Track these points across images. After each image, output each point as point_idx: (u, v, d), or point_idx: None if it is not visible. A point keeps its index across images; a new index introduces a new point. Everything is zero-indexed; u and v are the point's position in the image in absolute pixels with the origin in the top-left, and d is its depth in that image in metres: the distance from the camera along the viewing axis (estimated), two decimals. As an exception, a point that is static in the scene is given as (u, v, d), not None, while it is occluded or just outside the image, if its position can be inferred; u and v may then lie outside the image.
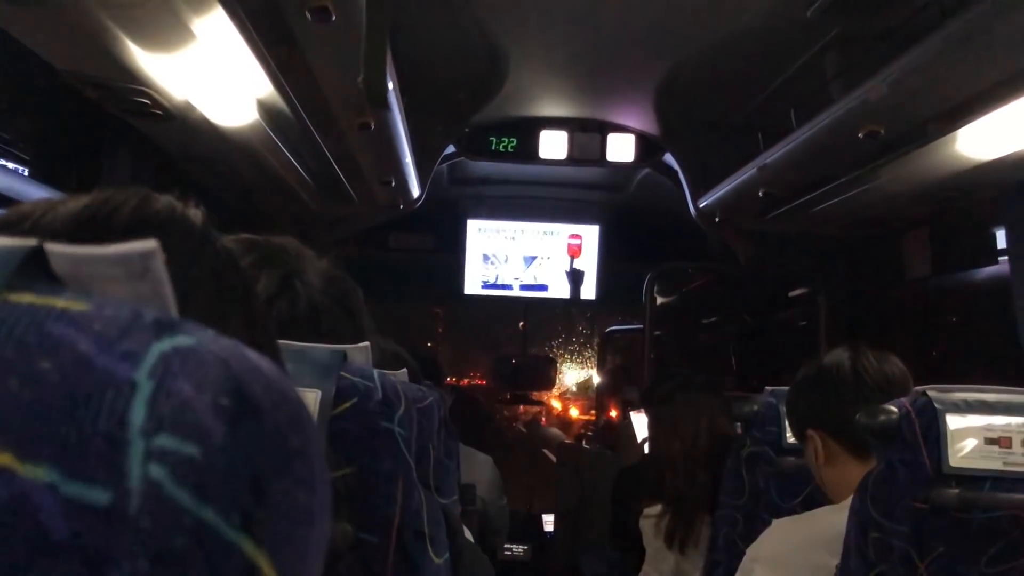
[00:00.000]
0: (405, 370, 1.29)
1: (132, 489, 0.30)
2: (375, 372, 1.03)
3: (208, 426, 0.32)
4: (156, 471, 0.30)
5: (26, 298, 0.33)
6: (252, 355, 0.35)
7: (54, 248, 0.36)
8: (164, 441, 0.31)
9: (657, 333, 5.65)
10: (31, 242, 0.35)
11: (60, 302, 0.33)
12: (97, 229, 0.57)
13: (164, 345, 0.33)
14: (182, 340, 0.33)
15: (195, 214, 0.64)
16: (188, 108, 2.33)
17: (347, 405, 0.99)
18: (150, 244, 0.36)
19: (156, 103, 2.25)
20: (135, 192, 0.61)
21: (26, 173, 2.58)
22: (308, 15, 1.90)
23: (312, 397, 0.96)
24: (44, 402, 0.30)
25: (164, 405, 0.31)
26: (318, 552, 0.36)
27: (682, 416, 2.93)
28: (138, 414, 0.31)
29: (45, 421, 0.30)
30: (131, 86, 2.11)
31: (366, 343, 1.07)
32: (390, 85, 2.52)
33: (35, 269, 0.35)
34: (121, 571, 0.29)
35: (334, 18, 1.87)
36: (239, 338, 0.59)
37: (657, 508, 2.92)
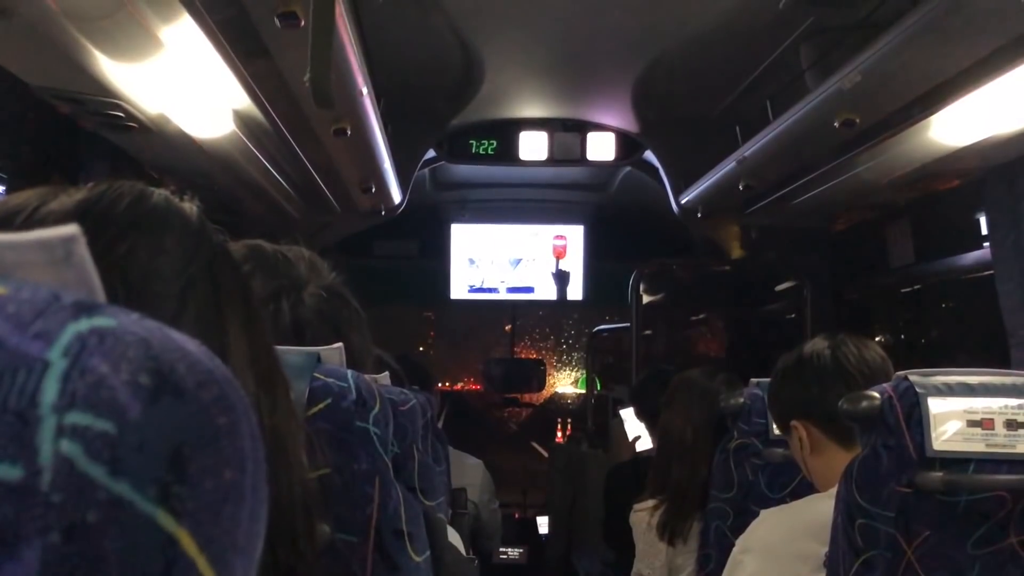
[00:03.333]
0: (387, 374, 1.29)
1: (43, 465, 0.30)
2: (349, 373, 1.03)
3: (124, 403, 0.31)
4: (68, 447, 0.30)
5: None
6: (177, 336, 0.35)
7: None
8: (77, 417, 0.31)
9: (645, 331, 5.65)
10: None
11: None
12: (93, 224, 0.56)
13: (81, 325, 0.32)
14: (101, 321, 0.33)
15: (191, 209, 0.63)
16: (163, 120, 2.33)
17: (321, 406, 0.99)
18: (71, 229, 0.36)
19: (130, 116, 2.24)
20: (130, 187, 0.61)
21: (2, 191, 2.57)
22: (277, 21, 1.90)
23: (286, 399, 0.95)
24: None
25: (78, 382, 0.31)
26: (250, 530, 0.36)
27: (694, 405, 2.91)
28: (50, 391, 0.31)
29: None
30: (104, 99, 2.10)
31: (339, 344, 1.07)
32: (364, 90, 2.52)
33: None
34: (33, 545, 0.29)
35: (303, 23, 1.87)
36: (237, 337, 0.59)
37: (649, 503, 2.91)
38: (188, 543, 0.32)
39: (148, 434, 0.32)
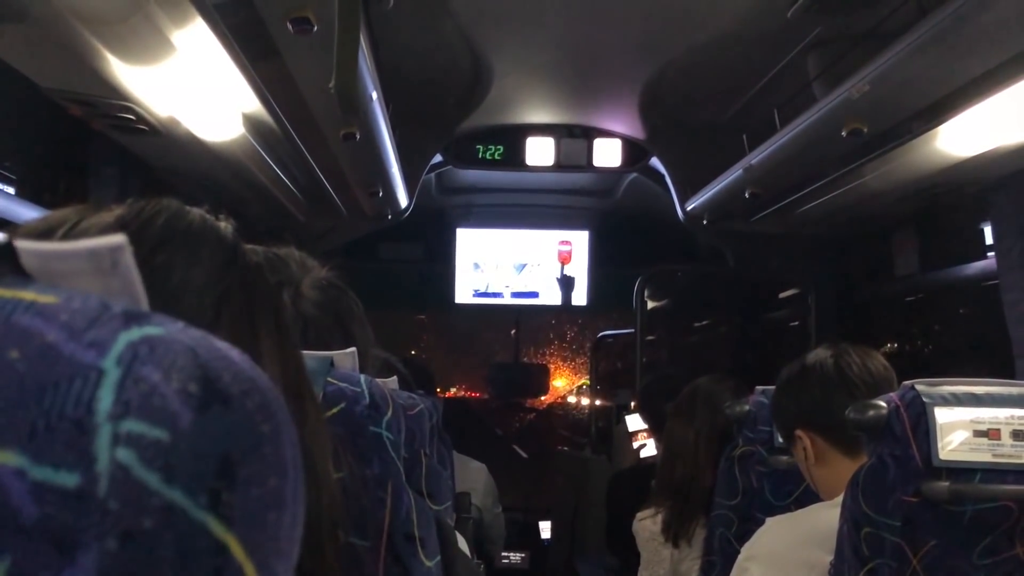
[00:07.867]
0: (395, 377, 1.30)
1: (100, 472, 0.31)
2: (362, 377, 1.03)
3: (176, 411, 0.32)
4: (124, 454, 0.31)
5: None
6: (221, 344, 0.36)
7: (23, 244, 0.36)
8: (132, 425, 0.31)
9: (650, 337, 5.66)
10: None
11: (29, 295, 0.33)
12: (132, 237, 0.58)
13: (132, 334, 0.33)
14: (151, 330, 0.34)
15: (226, 227, 0.65)
16: (173, 123, 2.33)
17: (335, 411, 0.99)
18: (118, 239, 0.37)
19: (141, 119, 2.25)
20: (168, 203, 0.63)
21: (13, 192, 2.57)
22: (290, 26, 1.90)
23: (299, 403, 0.96)
24: (12, 390, 0.31)
25: (132, 391, 0.32)
26: (291, 536, 0.36)
27: (699, 411, 2.91)
28: (105, 400, 0.31)
29: (13, 408, 0.31)
30: (116, 102, 2.11)
31: (352, 348, 1.08)
32: (374, 95, 2.53)
33: (4, 265, 0.35)
34: (90, 551, 0.30)
35: (315, 28, 1.88)
36: (269, 348, 0.60)
37: (650, 511, 2.91)
38: (237, 549, 0.33)
39: (199, 442, 0.32)
